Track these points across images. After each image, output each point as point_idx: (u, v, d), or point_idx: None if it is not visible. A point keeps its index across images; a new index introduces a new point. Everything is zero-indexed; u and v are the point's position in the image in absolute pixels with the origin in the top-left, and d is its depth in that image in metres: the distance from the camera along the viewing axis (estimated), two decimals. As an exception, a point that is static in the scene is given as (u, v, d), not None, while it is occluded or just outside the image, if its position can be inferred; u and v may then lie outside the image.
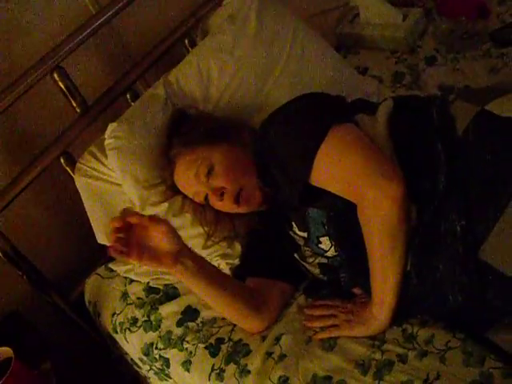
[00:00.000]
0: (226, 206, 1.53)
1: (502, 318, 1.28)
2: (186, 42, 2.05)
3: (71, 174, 1.79)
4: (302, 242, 1.53)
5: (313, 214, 1.42)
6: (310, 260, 1.54)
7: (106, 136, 1.66)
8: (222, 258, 1.65)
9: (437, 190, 1.25)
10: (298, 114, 1.41)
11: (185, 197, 1.63)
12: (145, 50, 1.98)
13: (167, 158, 1.61)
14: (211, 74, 1.77)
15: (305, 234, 1.48)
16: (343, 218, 1.36)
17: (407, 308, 1.36)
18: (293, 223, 1.51)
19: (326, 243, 1.44)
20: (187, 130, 1.62)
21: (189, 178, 1.55)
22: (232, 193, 1.49)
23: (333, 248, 1.44)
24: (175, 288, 1.73)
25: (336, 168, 1.29)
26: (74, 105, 1.79)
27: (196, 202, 1.60)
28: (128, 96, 1.91)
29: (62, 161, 1.79)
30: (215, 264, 1.65)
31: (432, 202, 1.26)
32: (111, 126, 1.66)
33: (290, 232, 1.55)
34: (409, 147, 1.32)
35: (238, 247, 1.66)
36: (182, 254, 1.34)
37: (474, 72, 1.96)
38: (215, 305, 1.51)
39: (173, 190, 1.64)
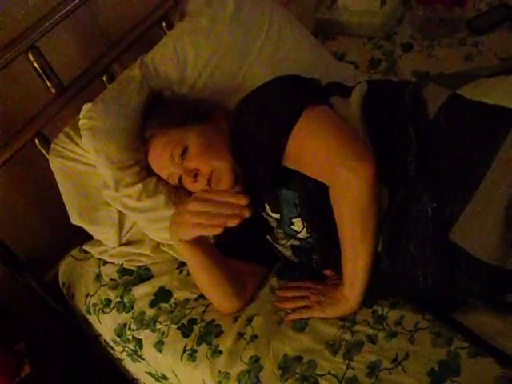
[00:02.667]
0: (199, 187, 1.52)
1: (469, 300, 1.31)
2: (164, 24, 2.04)
3: (46, 155, 1.78)
4: (274, 224, 1.54)
5: (285, 196, 1.43)
6: (283, 242, 1.55)
7: (80, 116, 1.65)
8: (195, 239, 1.65)
9: (408, 172, 1.27)
10: (272, 95, 1.41)
11: (159, 178, 1.63)
12: (122, 31, 1.96)
13: (142, 139, 1.61)
14: (187, 56, 1.77)
15: (277, 216, 1.49)
16: (315, 199, 1.37)
17: (378, 289, 1.38)
18: (266, 204, 1.51)
19: (298, 224, 1.46)
20: (162, 112, 1.62)
21: (163, 160, 1.55)
22: (205, 174, 1.49)
23: (305, 229, 1.45)
24: (148, 269, 1.74)
25: (308, 149, 1.30)
26: (49, 85, 1.76)
27: (170, 184, 1.60)
28: (104, 78, 1.90)
29: (36, 142, 1.77)
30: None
31: (403, 184, 1.27)
32: (86, 107, 1.65)
33: (263, 213, 1.55)
34: (381, 130, 1.34)
35: (211, 229, 1.67)
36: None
37: (449, 59, 1.97)
38: (206, 282, 1.52)
39: (147, 172, 1.64)
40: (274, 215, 1.51)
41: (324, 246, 1.43)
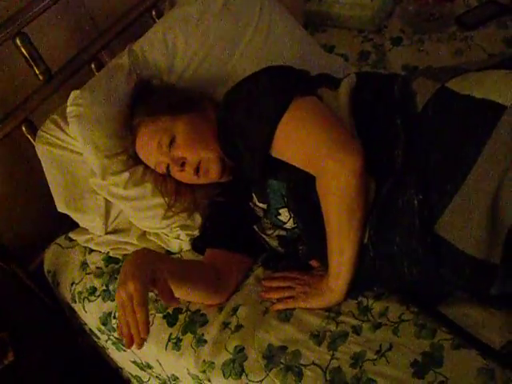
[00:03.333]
0: (186, 176, 1.53)
1: (453, 292, 1.31)
2: (153, 12, 2.03)
3: (32, 141, 1.77)
4: (261, 214, 1.54)
5: (273, 186, 1.43)
6: (269, 232, 1.55)
7: (68, 103, 1.64)
8: (181, 228, 1.65)
9: (395, 164, 1.27)
10: (260, 85, 1.41)
11: (146, 166, 1.63)
12: (111, 19, 1.95)
13: (129, 127, 1.60)
14: (177, 44, 1.76)
15: (264, 206, 1.50)
16: (302, 190, 1.37)
17: (363, 280, 1.38)
18: (253, 195, 1.51)
19: (285, 215, 1.46)
20: (151, 100, 1.62)
21: (151, 148, 1.55)
22: (192, 164, 1.49)
23: (291, 220, 1.45)
24: (135, 258, 1.73)
25: (296, 140, 1.30)
26: (37, 72, 1.75)
27: (157, 172, 1.60)
28: (93, 65, 1.89)
29: (23, 128, 1.76)
30: (175, 235, 1.66)
31: (390, 176, 1.27)
32: (73, 94, 1.64)
33: (250, 203, 1.55)
34: (369, 121, 1.34)
35: (198, 218, 1.67)
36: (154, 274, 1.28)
37: (438, 54, 1.98)
38: (181, 295, 1.45)
39: (134, 160, 1.64)
40: (260, 205, 1.51)
41: (310, 237, 1.43)
